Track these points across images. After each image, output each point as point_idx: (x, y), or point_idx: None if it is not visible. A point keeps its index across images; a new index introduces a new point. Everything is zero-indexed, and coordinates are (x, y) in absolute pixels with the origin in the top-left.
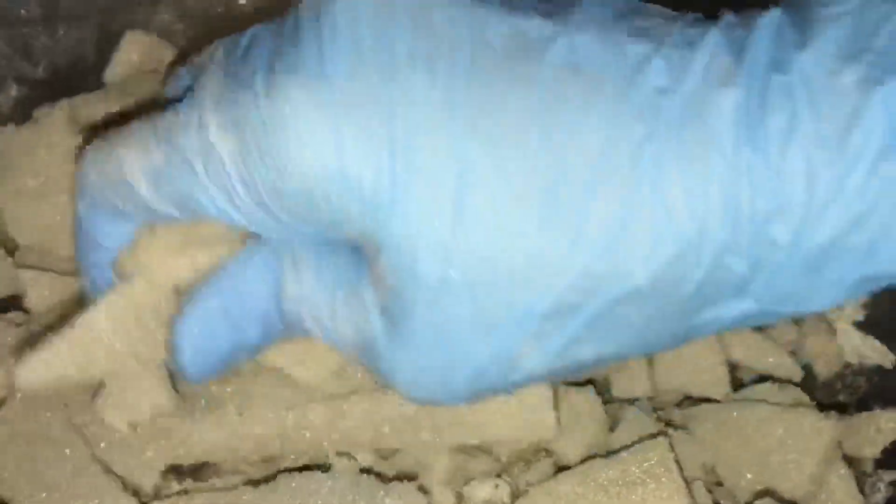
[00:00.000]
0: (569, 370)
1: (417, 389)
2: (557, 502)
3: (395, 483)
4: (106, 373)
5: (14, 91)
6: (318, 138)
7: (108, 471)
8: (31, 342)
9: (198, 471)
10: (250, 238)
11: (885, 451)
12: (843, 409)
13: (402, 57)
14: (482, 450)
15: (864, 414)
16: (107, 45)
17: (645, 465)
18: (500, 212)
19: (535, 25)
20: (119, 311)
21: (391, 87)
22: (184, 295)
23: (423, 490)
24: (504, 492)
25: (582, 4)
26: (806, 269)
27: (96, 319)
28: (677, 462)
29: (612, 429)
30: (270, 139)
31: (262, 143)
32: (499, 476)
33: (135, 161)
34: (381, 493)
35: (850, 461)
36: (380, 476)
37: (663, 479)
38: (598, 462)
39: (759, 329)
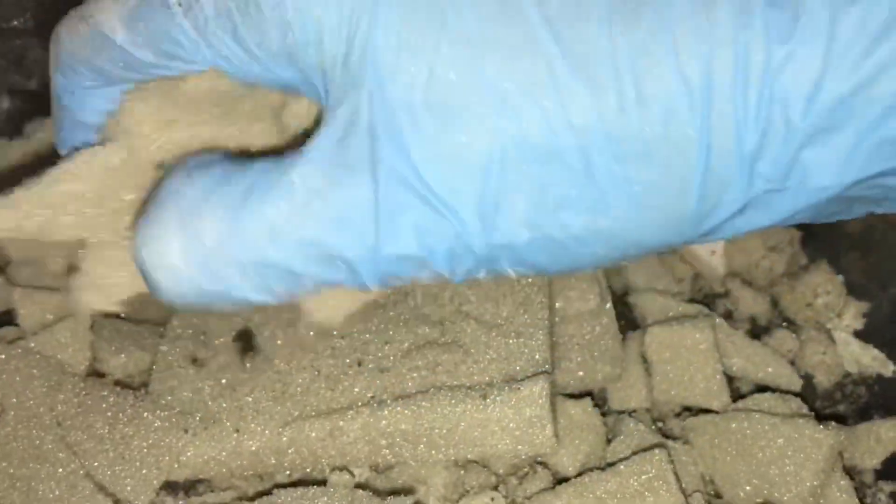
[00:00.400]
0: (556, 244)
1: None
2: None
3: (391, 498)
4: (74, 239)
5: (6, 103)
6: None
7: (101, 488)
8: None
9: (192, 487)
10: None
11: (885, 462)
12: (842, 419)
13: None
14: (479, 464)
15: (864, 424)
16: None
17: (643, 477)
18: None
19: None
20: (93, 172)
21: None
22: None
23: None
24: None
25: None
26: (820, 129)
27: (66, 176)
28: (675, 474)
29: (609, 441)
30: None
31: None
32: (495, 489)
33: (109, 9)
34: None
35: (851, 472)
36: (376, 492)
37: (661, 491)
38: (596, 474)
39: (758, 338)
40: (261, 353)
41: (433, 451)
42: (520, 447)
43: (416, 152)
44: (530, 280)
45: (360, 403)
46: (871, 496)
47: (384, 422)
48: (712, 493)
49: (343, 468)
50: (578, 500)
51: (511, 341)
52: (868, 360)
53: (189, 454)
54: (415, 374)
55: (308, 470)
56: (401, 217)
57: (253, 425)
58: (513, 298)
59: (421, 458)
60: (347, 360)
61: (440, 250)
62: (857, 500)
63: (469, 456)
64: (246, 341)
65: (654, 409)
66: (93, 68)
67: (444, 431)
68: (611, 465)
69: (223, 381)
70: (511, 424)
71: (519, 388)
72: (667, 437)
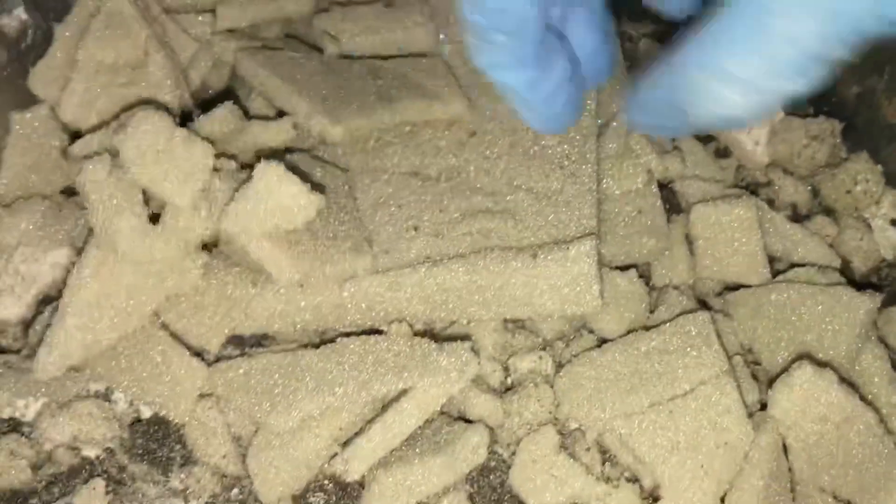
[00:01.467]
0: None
1: None
2: (600, 371)
3: (449, 342)
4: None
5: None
6: None
7: (175, 337)
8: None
9: (257, 344)
10: None
11: None
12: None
13: None
14: (527, 329)
15: None
16: None
17: (685, 335)
18: None
19: None
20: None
21: None
22: None
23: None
24: (547, 363)
25: None
26: None
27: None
28: (717, 334)
29: (652, 311)
30: None
31: None
32: (543, 350)
33: None
34: (436, 352)
35: (886, 348)
36: (434, 337)
37: (703, 347)
38: (640, 333)
39: (798, 221)
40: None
41: (485, 309)
42: (566, 306)
43: None
44: (577, 155)
45: (415, 263)
46: None
47: (438, 278)
48: (752, 361)
49: (401, 321)
50: (622, 356)
51: (561, 210)
52: None
53: (256, 308)
54: (468, 239)
55: (368, 324)
56: None
57: (313, 280)
58: (562, 172)
59: (473, 316)
60: (404, 226)
61: None
62: (890, 366)
63: (518, 314)
64: None
65: (696, 286)
66: None
67: (496, 289)
68: (653, 327)
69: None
70: (559, 282)
71: (567, 248)
72: (708, 310)
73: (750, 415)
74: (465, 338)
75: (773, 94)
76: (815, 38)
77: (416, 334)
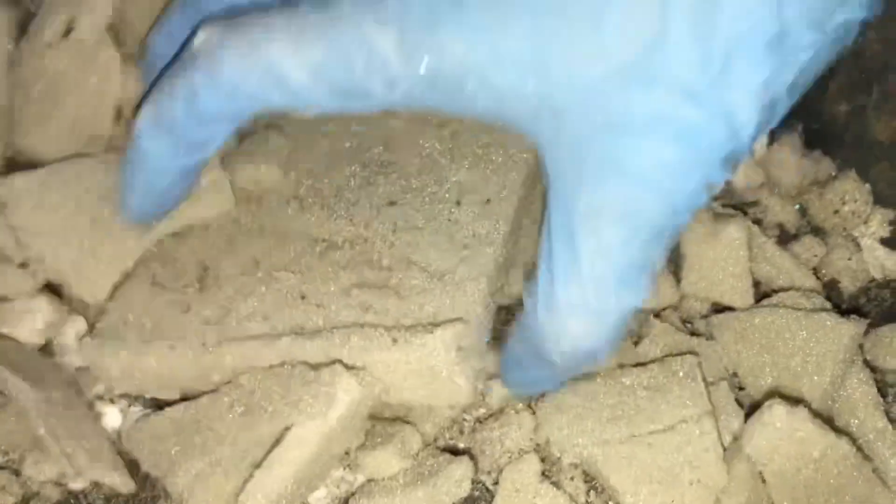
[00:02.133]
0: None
1: None
2: (583, 399)
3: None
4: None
5: None
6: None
7: None
8: None
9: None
10: None
11: None
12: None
13: None
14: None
15: (888, 325)
16: None
17: (672, 375)
18: None
19: None
20: None
21: None
22: None
23: None
24: None
25: None
26: None
27: None
28: (703, 378)
29: (636, 343)
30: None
31: (424, 34)
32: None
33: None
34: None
35: (874, 371)
36: None
37: (689, 388)
38: (627, 369)
39: (786, 244)
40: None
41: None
42: (432, 397)
43: None
44: (487, 232)
45: (286, 333)
46: (892, 395)
47: (298, 353)
48: (736, 386)
49: None
50: (607, 387)
51: (447, 292)
52: (893, 265)
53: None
54: (347, 313)
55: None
56: None
57: (184, 345)
58: (463, 251)
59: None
60: (291, 295)
61: None
62: (876, 390)
63: (387, 398)
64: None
65: (682, 306)
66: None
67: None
68: (641, 365)
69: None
70: (419, 368)
71: (431, 332)
72: (693, 335)
73: (734, 439)
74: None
75: (617, 311)
76: (626, 248)
77: None
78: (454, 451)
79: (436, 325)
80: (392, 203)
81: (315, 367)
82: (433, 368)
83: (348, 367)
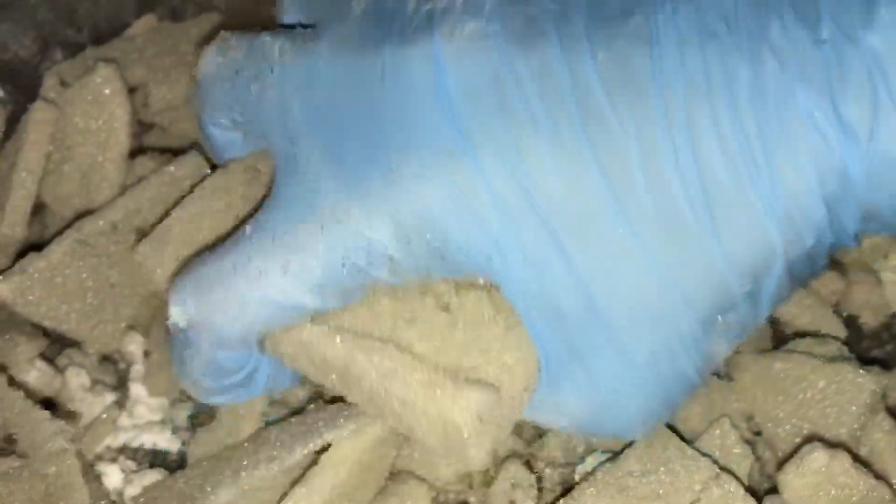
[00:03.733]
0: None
1: None
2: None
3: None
4: None
5: (59, 55)
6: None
7: None
8: None
9: None
10: None
11: None
12: (888, 359)
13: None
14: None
15: None
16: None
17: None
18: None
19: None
20: None
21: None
22: None
23: None
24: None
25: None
26: None
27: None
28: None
29: None
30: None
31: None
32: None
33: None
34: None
35: (894, 412)
36: None
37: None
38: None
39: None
40: None
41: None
42: (445, 450)
43: None
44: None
45: None
46: None
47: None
48: (754, 430)
49: None
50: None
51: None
52: None
53: None
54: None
55: None
56: None
57: None
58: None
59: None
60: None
61: None
62: None
63: (398, 426)
64: None
65: None
66: None
67: (370, 388)
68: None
69: None
70: (436, 418)
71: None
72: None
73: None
74: None
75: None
76: None
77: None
78: None
79: (467, 376)
80: None
81: None
82: (448, 429)
83: None
